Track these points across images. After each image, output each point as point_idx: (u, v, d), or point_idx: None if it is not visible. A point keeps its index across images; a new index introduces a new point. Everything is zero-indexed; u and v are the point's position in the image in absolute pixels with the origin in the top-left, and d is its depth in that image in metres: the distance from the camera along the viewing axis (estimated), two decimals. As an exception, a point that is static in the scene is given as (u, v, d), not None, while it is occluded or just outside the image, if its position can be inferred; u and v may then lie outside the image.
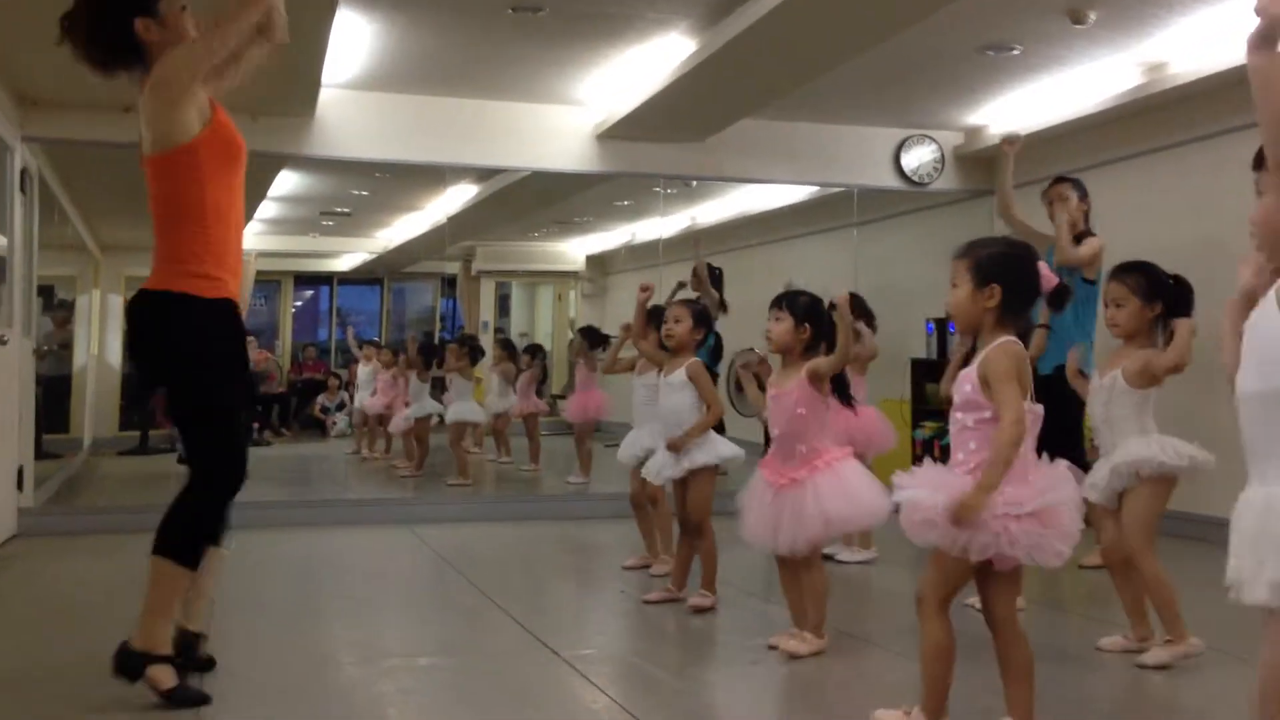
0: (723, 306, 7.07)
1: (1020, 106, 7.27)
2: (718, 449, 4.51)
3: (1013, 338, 2.80)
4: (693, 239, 7.53)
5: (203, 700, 3.17)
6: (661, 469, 4.62)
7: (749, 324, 7.62)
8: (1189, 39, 5.83)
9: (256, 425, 11.24)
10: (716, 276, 7.25)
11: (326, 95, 6.71)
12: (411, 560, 5.83)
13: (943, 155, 8.03)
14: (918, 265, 8.12)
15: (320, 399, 11.77)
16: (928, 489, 2.76)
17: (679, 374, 4.59)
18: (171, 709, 3.10)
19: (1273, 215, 1.98)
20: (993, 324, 2.81)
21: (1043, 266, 2.91)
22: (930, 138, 8.00)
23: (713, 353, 6.34)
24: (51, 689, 3.36)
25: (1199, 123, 6.31)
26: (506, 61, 6.40)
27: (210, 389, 3.22)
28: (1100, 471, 3.76)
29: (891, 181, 8.02)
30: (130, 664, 3.11)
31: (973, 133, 7.94)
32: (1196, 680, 3.54)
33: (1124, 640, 3.83)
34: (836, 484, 3.76)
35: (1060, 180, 5.62)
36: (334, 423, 11.69)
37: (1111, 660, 3.77)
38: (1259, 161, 2.04)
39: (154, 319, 3.22)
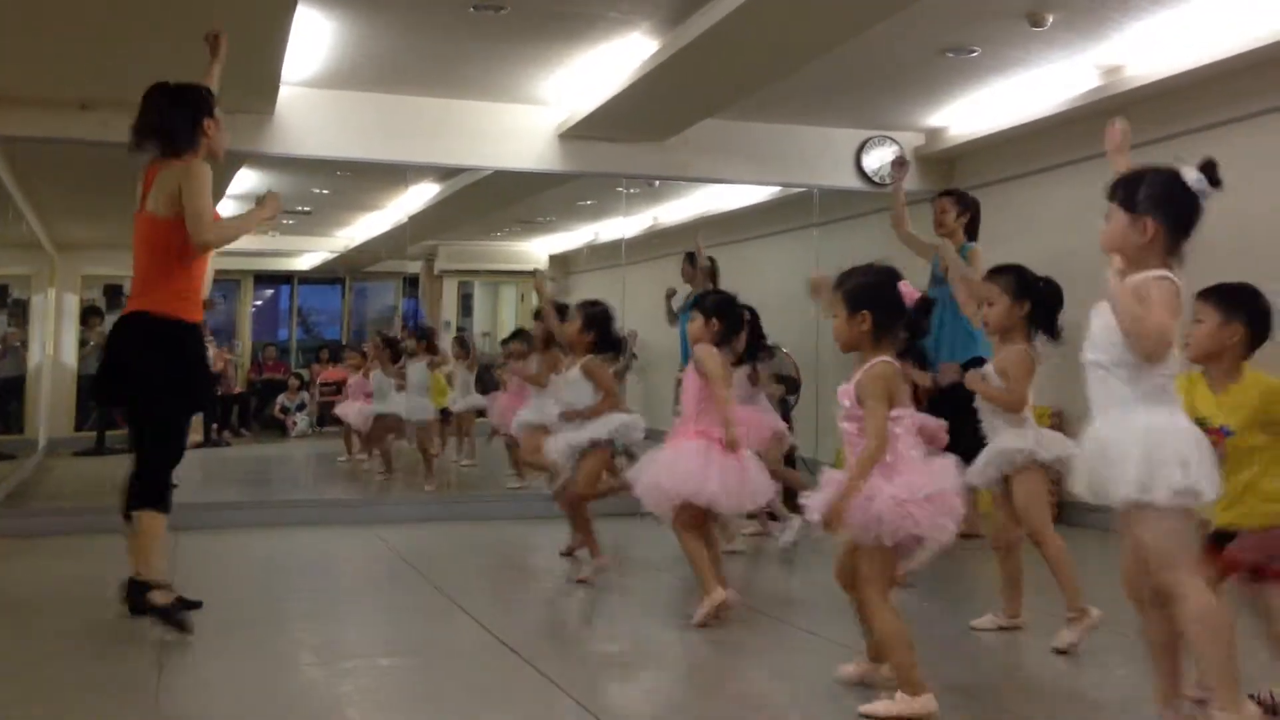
0: None
1: (979, 108, 7.34)
2: (608, 425, 4.94)
3: (884, 358, 3.12)
4: (695, 232, 7.86)
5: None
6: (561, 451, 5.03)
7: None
8: (1145, 42, 5.90)
9: (215, 426, 11.14)
10: (711, 270, 7.71)
11: (286, 93, 6.67)
12: (372, 561, 5.80)
13: (903, 156, 8.07)
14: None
15: (280, 399, 11.67)
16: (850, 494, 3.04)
17: (574, 370, 5.10)
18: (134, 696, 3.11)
19: (1112, 236, 2.82)
20: (871, 344, 3.14)
21: (904, 285, 3.15)
22: (891, 139, 8.05)
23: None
24: (11, 686, 3.32)
25: (1155, 124, 6.37)
26: (468, 60, 6.38)
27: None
28: (981, 459, 3.95)
29: (852, 182, 8.08)
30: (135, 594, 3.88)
31: (933, 134, 8.00)
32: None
33: (994, 618, 4.06)
34: (675, 457, 4.17)
35: (944, 194, 6.17)
36: (294, 423, 11.60)
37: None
38: (1112, 191, 2.88)
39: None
